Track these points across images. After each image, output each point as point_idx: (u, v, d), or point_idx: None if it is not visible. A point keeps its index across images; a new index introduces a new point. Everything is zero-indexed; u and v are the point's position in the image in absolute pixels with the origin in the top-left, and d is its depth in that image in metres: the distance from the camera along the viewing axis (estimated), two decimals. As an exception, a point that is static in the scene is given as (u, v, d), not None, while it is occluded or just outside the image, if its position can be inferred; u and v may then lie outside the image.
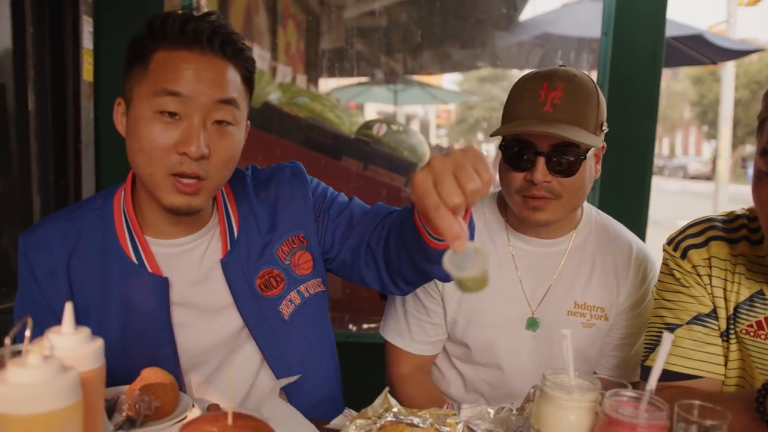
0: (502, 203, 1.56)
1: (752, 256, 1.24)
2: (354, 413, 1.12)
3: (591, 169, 1.41)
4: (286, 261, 1.39)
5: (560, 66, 1.42)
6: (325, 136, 2.78)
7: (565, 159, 1.35)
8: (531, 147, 1.36)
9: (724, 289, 1.25)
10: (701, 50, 6.42)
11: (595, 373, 1.58)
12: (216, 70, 1.23)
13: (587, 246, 1.52)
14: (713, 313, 1.26)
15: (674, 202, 17.42)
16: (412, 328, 1.58)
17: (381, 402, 1.10)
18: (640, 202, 2.48)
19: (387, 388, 1.10)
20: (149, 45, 1.23)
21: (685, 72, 33.83)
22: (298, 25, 5.17)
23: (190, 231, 1.36)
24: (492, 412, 1.12)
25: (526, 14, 6.16)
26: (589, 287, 1.50)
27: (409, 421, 1.07)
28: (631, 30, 2.43)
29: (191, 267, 1.35)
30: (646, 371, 1.30)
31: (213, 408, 1.15)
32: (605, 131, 1.42)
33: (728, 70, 13.60)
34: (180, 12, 1.25)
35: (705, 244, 1.28)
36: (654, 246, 1.66)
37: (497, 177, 1.48)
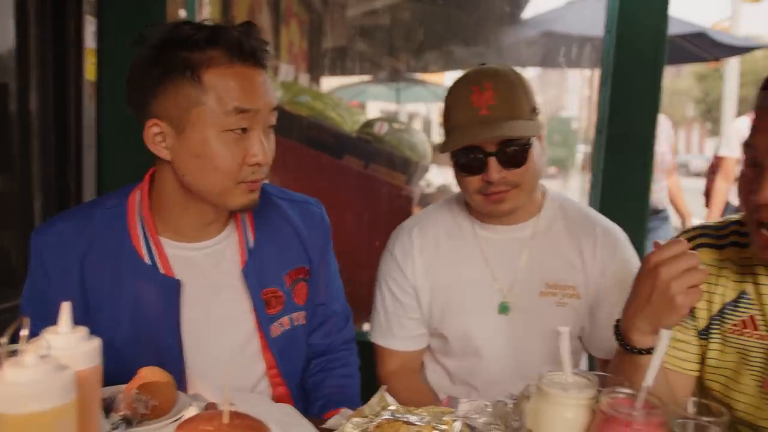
0: (465, 199, 1.61)
1: (738, 259, 1.27)
2: (351, 412, 1.13)
3: (539, 151, 1.49)
4: (289, 286, 1.44)
5: (481, 65, 1.50)
6: (326, 135, 2.77)
7: (513, 152, 1.43)
8: (479, 151, 1.43)
9: (708, 292, 1.29)
10: (704, 47, 6.40)
11: (591, 357, 1.61)
12: (265, 80, 1.29)
13: (553, 228, 1.57)
14: (690, 313, 1.29)
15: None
16: (392, 326, 1.63)
17: (378, 400, 1.10)
18: (640, 200, 2.47)
19: (384, 386, 1.11)
20: (194, 61, 1.22)
21: (689, 69, 33.70)
22: (301, 23, 5.17)
23: (211, 235, 1.39)
24: (490, 405, 1.12)
25: (529, 12, 6.15)
26: (558, 266, 1.54)
27: (405, 419, 1.07)
28: (634, 28, 2.42)
29: (207, 271, 1.38)
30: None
31: (211, 407, 1.16)
32: (539, 113, 1.50)
33: (731, 66, 13.55)
34: (224, 24, 1.27)
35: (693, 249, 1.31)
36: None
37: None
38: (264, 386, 1.44)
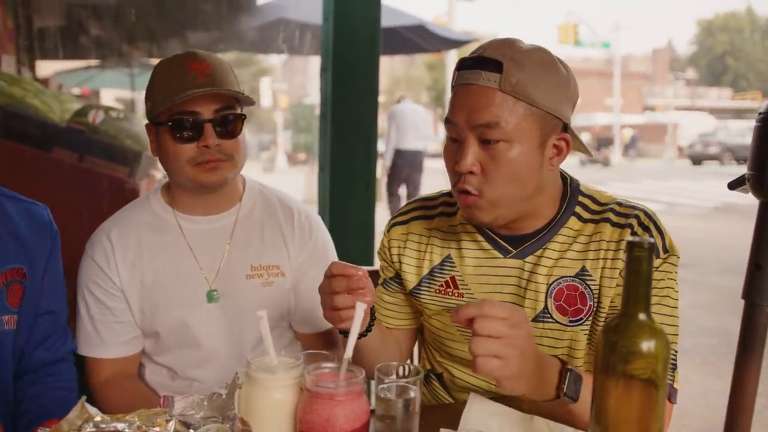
0: (166, 193, 1.61)
1: (446, 227, 1.43)
2: (47, 430, 1.02)
3: (244, 133, 1.54)
4: (3, 286, 1.33)
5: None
6: (29, 125, 2.45)
7: (229, 121, 1.47)
8: (196, 116, 1.44)
9: (418, 258, 1.44)
10: (427, 39, 6.99)
11: (294, 332, 1.67)
12: None
13: (254, 215, 1.62)
14: (396, 278, 1.49)
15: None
16: (102, 334, 1.53)
17: (78, 413, 1.01)
18: (367, 179, 2.62)
19: (84, 397, 1.01)
20: None
21: (421, 59, 36.76)
22: (3, -2, 4.53)
23: None
24: (206, 399, 1.09)
25: (263, -1, 6.15)
26: (262, 249, 1.59)
27: (112, 429, 1.00)
28: (350, 16, 2.53)
29: None
30: None
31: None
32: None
33: (452, 58, 15.03)
34: None
35: (407, 222, 1.49)
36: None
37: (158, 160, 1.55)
38: None
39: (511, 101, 1.19)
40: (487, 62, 1.21)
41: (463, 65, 1.25)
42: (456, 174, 1.26)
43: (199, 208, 1.57)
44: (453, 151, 1.27)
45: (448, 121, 1.26)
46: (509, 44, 1.24)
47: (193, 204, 1.56)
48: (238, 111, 1.50)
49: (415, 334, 1.56)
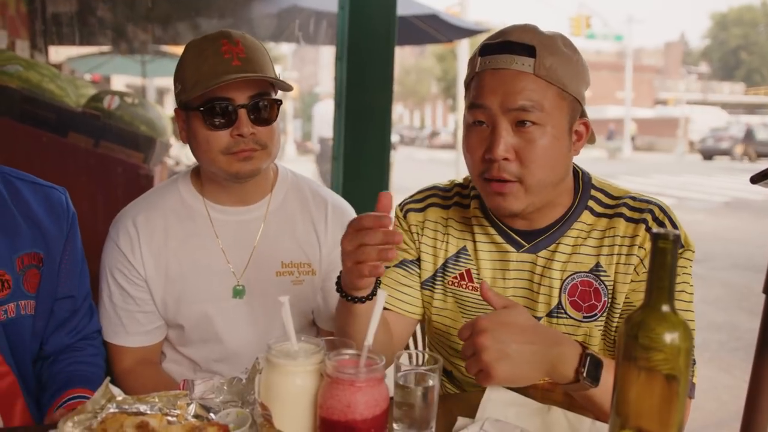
0: (195, 178, 1.55)
1: (460, 218, 1.42)
2: (73, 412, 1.03)
3: (278, 120, 1.49)
4: (20, 271, 1.33)
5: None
6: (46, 110, 2.45)
7: (265, 108, 1.41)
8: (230, 103, 1.38)
9: (434, 247, 1.42)
10: (439, 29, 6.94)
11: (315, 326, 1.64)
12: None
13: (286, 207, 1.57)
14: (417, 261, 1.44)
15: (424, 170, 18.96)
16: (124, 322, 1.52)
17: (102, 393, 1.02)
18: (381, 169, 2.62)
19: (108, 378, 1.03)
20: None
21: (431, 50, 36.60)
22: (17, -16, 4.54)
23: None
24: (226, 383, 1.10)
25: (276, -15, 6.12)
26: (293, 246, 1.55)
27: (135, 410, 1.01)
28: (365, 5, 2.52)
29: None
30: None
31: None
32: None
33: (463, 48, 14.95)
34: None
35: (423, 209, 1.45)
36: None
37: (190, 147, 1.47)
38: None
39: (544, 85, 1.19)
40: (518, 47, 1.20)
41: (488, 50, 1.24)
42: (484, 162, 1.23)
43: (229, 198, 1.51)
44: (481, 138, 1.23)
45: (476, 106, 1.23)
46: (533, 29, 1.23)
47: (223, 193, 1.51)
48: (274, 96, 1.44)
49: (412, 328, 1.49)
